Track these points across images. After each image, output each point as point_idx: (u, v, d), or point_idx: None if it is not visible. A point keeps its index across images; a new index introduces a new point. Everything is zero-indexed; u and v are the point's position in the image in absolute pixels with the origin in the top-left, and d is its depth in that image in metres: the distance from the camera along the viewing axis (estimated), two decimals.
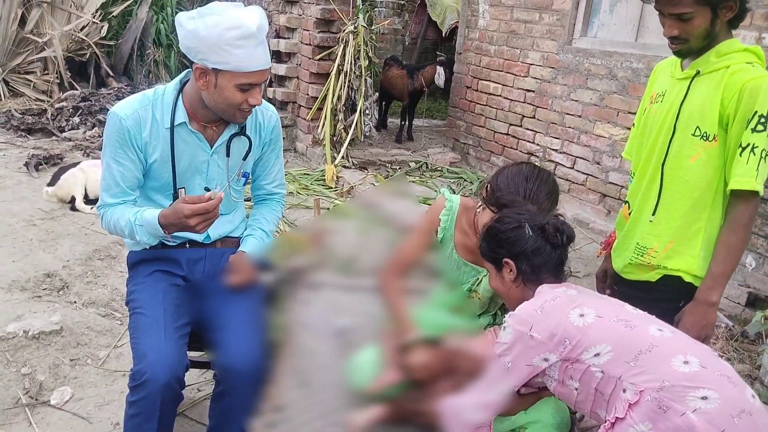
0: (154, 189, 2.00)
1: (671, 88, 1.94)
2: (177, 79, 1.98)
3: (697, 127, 1.84)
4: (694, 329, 1.83)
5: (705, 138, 1.83)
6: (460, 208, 2.08)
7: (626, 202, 2.11)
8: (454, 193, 2.37)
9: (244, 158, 2.06)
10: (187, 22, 1.78)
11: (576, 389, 1.49)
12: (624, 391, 1.40)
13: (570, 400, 1.53)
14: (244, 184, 2.14)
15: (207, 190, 1.98)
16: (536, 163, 2.01)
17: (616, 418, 1.38)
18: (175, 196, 1.96)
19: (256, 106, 1.93)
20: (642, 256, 1.98)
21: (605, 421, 1.42)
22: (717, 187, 1.87)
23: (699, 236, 1.90)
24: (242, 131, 2.02)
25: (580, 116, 4.99)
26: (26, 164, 5.19)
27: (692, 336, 1.77)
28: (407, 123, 7.02)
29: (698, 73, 1.86)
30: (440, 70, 6.62)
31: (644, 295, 1.96)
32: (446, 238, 2.08)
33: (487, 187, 1.95)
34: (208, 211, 1.73)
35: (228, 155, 2.01)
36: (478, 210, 2.00)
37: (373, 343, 1.87)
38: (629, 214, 2.07)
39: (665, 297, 1.95)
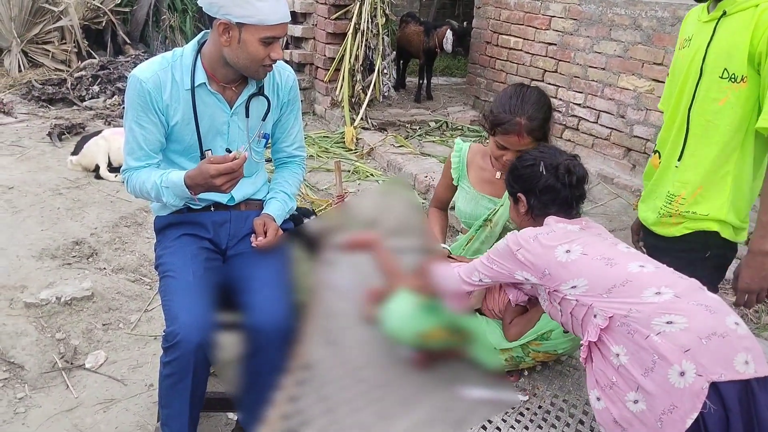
0: (176, 152, 2.01)
1: (698, 31, 1.89)
2: (195, 41, 1.98)
3: (725, 69, 1.78)
4: (754, 282, 1.81)
5: (733, 80, 1.78)
6: (472, 150, 2.26)
7: (656, 151, 2.07)
8: None
9: (264, 119, 2.07)
10: None
11: (560, 311, 1.60)
12: (595, 316, 1.47)
13: (557, 318, 1.64)
14: (264, 146, 2.14)
15: (228, 151, 1.99)
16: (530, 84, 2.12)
17: (589, 341, 1.48)
18: (202, 158, 1.97)
19: (275, 64, 1.94)
20: (670, 204, 1.95)
21: (582, 344, 1.52)
22: (747, 129, 1.82)
23: (727, 180, 1.86)
24: (260, 91, 2.02)
25: (603, 69, 4.87)
26: (49, 134, 5.24)
27: (754, 288, 1.82)
28: (425, 81, 6.92)
29: (725, 13, 1.80)
30: (449, 34, 6.44)
31: (670, 246, 1.95)
32: (461, 177, 2.24)
33: (484, 115, 2.09)
34: (234, 170, 1.75)
35: (247, 116, 2.01)
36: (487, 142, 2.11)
37: (404, 290, 1.89)
38: (659, 162, 2.04)
39: (691, 247, 1.93)
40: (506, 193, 2.12)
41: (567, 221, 1.70)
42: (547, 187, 1.73)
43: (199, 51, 1.95)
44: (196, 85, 1.91)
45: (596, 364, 1.49)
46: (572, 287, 1.52)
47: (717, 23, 1.82)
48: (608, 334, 1.45)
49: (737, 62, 1.76)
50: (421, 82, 6.88)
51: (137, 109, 1.90)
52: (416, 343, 1.84)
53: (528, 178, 1.77)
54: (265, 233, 2.00)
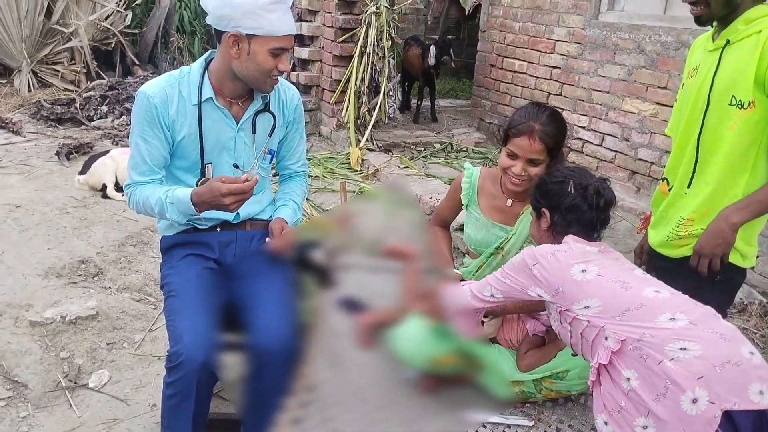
0: (182, 168, 2.04)
1: (704, 60, 1.91)
2: (202, 59, 2.03)
3: (732, 96, 1.80)
4: (708, 246, 1.83)
5: (740, 106, 1.80)
6: (482, 175, 2.27)
7: (664, 178, 2.08)
8: None
9: (270, 135, 2.10)
10: None
11: (569, 332, 1.59)
12: (606, 338, 1.47)
13: (566, 340, 1.63)
14: (270, 162, 2.17)
15: (236, 167, 2.04)
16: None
17: (600, 363, 1.47)
18: (203, 172, 2.01)
19: (279, 81, 2.01)
20: (679, 227, 1.95)
21: (592, 367, 1.51)
22: (757, 153, 1.83)
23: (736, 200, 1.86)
24: (266, 108, 2.06)
25: (608, 92, 4.90)
26: (57, 153, 5.29)
27: (706, 252, 1.83)
28: (430, 104, 6.95)
29: (728, 42, 1.82)
30: (432, 49, 6.48)
31: (679, 269, 1.95)
32: (471, 203, 2.24)
33: (499, 127, 2.14)
34: (245, 192, 1.80)
35: (254, 132, 2.04)
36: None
37: (415, 313, 1.88)
38: (669, 189, 2.04)
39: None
40: (518, 221, 2.12)
41: (586, 242, 1.69)
42: (574, 206, 1.73)
43: (206, 68, 1.99)
44: (203, 100, 1.95)
45: (605, 387, 1.47)
46: (585, 307, 1.52)
47: (722, 52, 1.83)
48: (619, 358, 1.43)
49: (743, 88, 1.78)
50: (419, 103, 6.91)
51: (143, 123, 1.93)
52: (426, 368, 1.82)
53: (555, 194, 1.77)
54: (281, 235, 2.02)
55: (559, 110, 2.16)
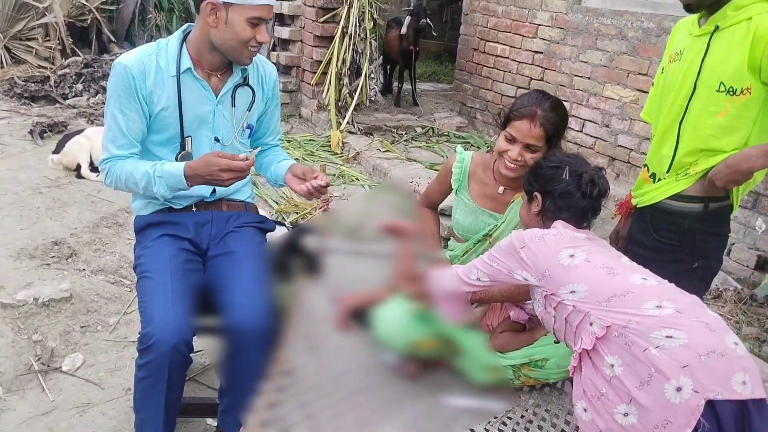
0: (159, 143, 1.99)
1: (690, 46, 1.90)
2: (179, 31, 1.99)
3: (721, 82, 1.80)
4: (722, 178, 1.84)
5: (731, 92, 1.79)
6: (474, 161, 2.22)
7: (645, 165, 2.08)
8: None
9: (249, 109, 2.07)
10: None
11: (553, 317, 1.57)
12: (591, 324, 1.45)
13: (549, 325, 1.62)
14: (248, 137, 2.14)
15: (216, 140, 2.02)
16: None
17: (583, 349, 1.46)
18: (182, 145, 1.98)
19: (257, 56, 1.98)
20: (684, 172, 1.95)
21: (575, 352, 1.50)
22: (759, 135, 1.84)
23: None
24: (245, 81, 2.03)
25: (589, 78, 4.90)
26: (31, 132, 5.17)
27: (718, 182, 1.85)
28: (411, 87, 6.90)
29: (717, 28, 1.81)
30: (406, 19, 6.37)
31: (656, 256, 1.95)
32: (461, 189, 2.21)
33: (500, 111, 2.11)
34: (243, 170, 1.83)
35: (233, 105, 2.02)
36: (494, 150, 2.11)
37: (399, 296, 1.87)
38: (650, 176, 2.04)
39: (677, 258, 1.94)
40: (508, 209, 2.11)
41: (575, 229, 1.68)
42: (567, 193, 1.71)
43: (184, 40, 1.95)
44: (181, 71, 1.91)
45: (585, 374, 1.47)
46: (571, 292, 1.51)
47: (710, 38, 1.82)
48: (603, 344, 1.43)
49: (735, 76, 1.78)
50: (399, 86, 6.86)
51: (120, 95, 1.89)
52: (406, 351, 1.82)
53: (549, 178, 1.75)
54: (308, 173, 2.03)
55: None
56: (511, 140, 1.99)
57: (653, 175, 2.03)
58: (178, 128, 1.96)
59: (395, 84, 7.00)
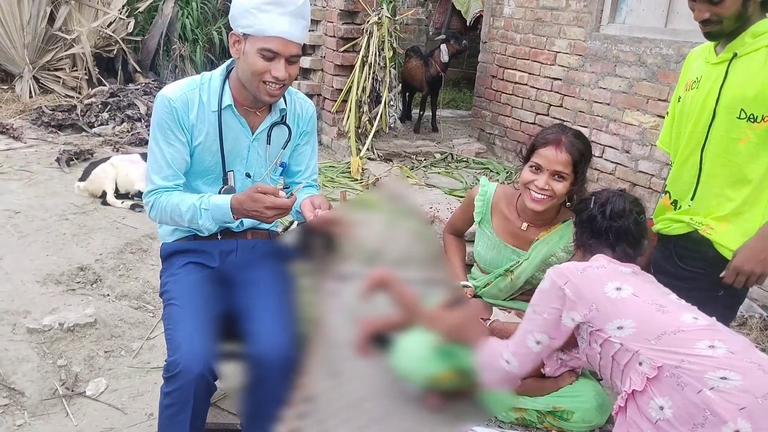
0: (195, 174, 2.02)
1: (707, 73, 1.90)
2: (224, 66, 2.02)
3: (742, 109, 1.79)
4: (749, 262, 1.80)
5: (752, 120, 1.78)
6: (498, 194, 2.19)
7: (667, 191, 2.07)
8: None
9: (283, 147, 2.10)
10: None
11: (599, 354, 1.53)
12: (640, 364, 1.41)
13: (595, 363, 1.57)
14: (280, 174, 2.16)
15: (248, 176, 2.05)
16: None
17: (634, 390, 1.41)
18: (224, 180, 2.01)
19: (294, 96, 2.00)
20: (700, 226, 1.92)
21: (622, 392, 1.45)
22: None
23: (756, 219, 1.84)
24: (283, 120, 2.06)
25: (608, 104, 4.91)
26: (57, 160, 5.28)
27: (746, 269, 1.80)
28: (431, 114, 6.95)
29: (735, 55, 1.81)
30: (442, 46, 6.46)
31: (681, 284, 1.93)
32: (484, 221, 2.21)
33: (524, 144, 2.14)
34: (288, 207, 1.86)
35: (269, 143, 2.04)
36: (517, 182, 2.08)
37: (418, 328, 1.86)
38: (671, 203, 2.03)
39: (704, 286, 1.92)
40: (532, 247, 2.09)
41: (619, 263, 1.66)
42: (590, 218, 1.78)
43: (227, 76, 1.98)
44: (222, 107, 1.94)
45: (630, 415, 1.42)
46: (618, 327, 1.46)
47: (729, 65, 1.82)
48: (653, 385, 1.39)
49: (755, 103, 1.77)
50: (421, 113, 6.91)
51: (164, 126, 1.92)
52: (426, 385, 1.80)
53: (580, 211, 1.84)
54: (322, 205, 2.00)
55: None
56: (537, 169, 1.98)
57: (675, 202, 2.02)
58: (213, 161, 2.00)
59: (415, 111, 7.04)
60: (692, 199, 1.94)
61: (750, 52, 1.78)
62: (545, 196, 1.97)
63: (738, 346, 1.41)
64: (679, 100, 2.03)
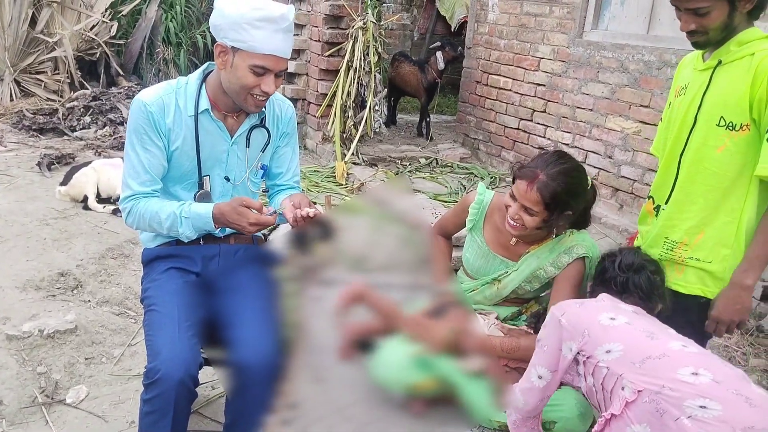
0: (173, 179, 2.01)
1: (693, 80, 1.91)
2: (200, 70, 2.00)
3: (722, 117, 1.80)
4: (726, 312, 1.82)
5: (731, 128, 1.79)
6: (493, 204, 2.17)
7: (650, 197, 2.09)
8: (465, 189, 2.41)
9: (263, 150, 2.08)
10: (218, 1, 1.84)
11: (593, 385, 1.53)
12: (623, 388, 1.41)
13: (591, 396, 1.57)
14: (261, 177, 2.15)
15: (227, 179, 2.04)
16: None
17: (612, 414, 1.40)
18: (200, 184, 2.00)
19: (272, 97, 1.97)
20: (672, 251, 1.94)
21: (601, 417, 1.45)
22: (750, 174, 1.81)
23: (731, 227, 1.86)
24: (262, 123, 2.05)
25: (591, 110, 4.95)
26: (38, 164, 5.22)
27: (724, 319, 1.82)
28: (422, 120, 6.94)
29: (720, 62, 1.82)
30: (438, 54, 6.49)
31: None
32: (476, 229, 2.18)
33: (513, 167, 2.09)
34: (270, 224, 1.89)
35: (248, 146, 2.03)
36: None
37: (398, 336, 1.86)
38: (654, 208, 2.04)
39: (689, 319, 1.91)
40: (521, 260, 2.09)
41: (620, 301, 1.70)
42: (602, 270, 1.86)
43: (204, 80, 1.97)
44: (199, 111, 1.93)
45: None
46: (606, 351, 1.47)
47: (713, 72, 1.84)
48: (630, 410, 1.38)
49: (735, 110, 1.77)
50: (428, 119, 6.86)
51: (140, 131, 1.90)
52: (406, 393, 1.80)
53: (598, 273, 1.91)
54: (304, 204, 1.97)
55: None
56: (512, 197, 1.98)
57: (657, 207, 2.04)
58: (191, 166, 1.98)
59: (400, 116, 7.02)
60: (666, 203, 1.95)
61: (734, 60, 1.79)
62: (518, 225, 1.96)
63: (725, 376, 1.38)
64: (669, 107, 2.05)
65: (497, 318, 2.17)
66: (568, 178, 1.94)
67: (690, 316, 1.89)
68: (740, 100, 1.76)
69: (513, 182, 1.99)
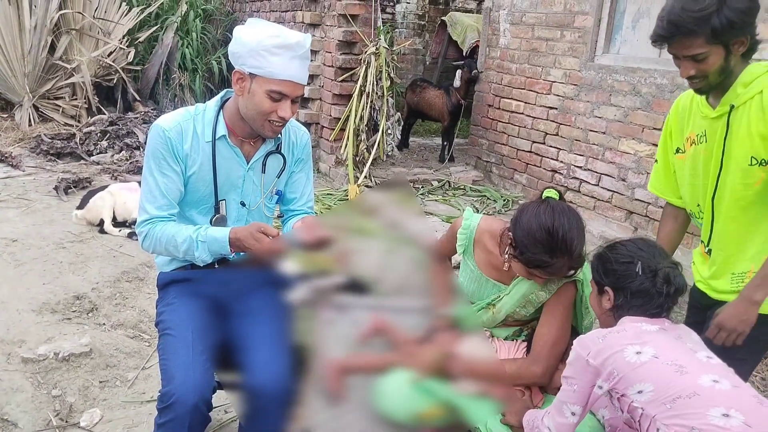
0: (189, 204, 2.03)
1: (710, 127, 1.94)
2: (218, 97, 2.04)
3: (752, 157, 1.84)
4: (731, 322, 1.85)
5: (764, 164, 1.83)
6: (481, 228, 2.15)
7: (702, 241, 2.11)
8: (478, 212, 2.41)
9: (278, 176, 2.11)
10: (237, 30, 1.88)
11: (631, 418, 1.52)
12: (657, 430, 1.40)
13: (618, 424, 1.59)
14: (276, 203, 2.17)
15: (243, 204, 2.06)
16: (550, 196, 1.96)
17: None
18: (216, 209, 2.02)
19: (288, 124, 2.00)
20: (743, 282, 1.94)
21: None
22: None
23: None
24: (278, 149, 2.07)
25: (604, 133, 4.95)
26: (56, 188, 5.29)
27: (728, 327, 1.82)
28: (444, 142, 6.99)
29: (733, 107, 1.86)
30: (458, 72, 6.60)
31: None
32: (467, 254, 2.16)
33: (510, 240, 1.94)
34: (282, 251, 1.92)
35: (263, 172, 2.06)
36: (506, 249, 2.03)
37: (397, 368, 1.86)
38: (706, 251, 2.06)
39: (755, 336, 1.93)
40: (513, 283, 2.07)
41: (645, 320, 1.61)
42: (642, 291, 1.63)
43: (221, 107, 2.00)
44: (216, 137, 1.96)
45: None
46: (638, 392, 1.44)
47: (729, 117, 1.87)
48: None
49: (762, 148, 1.82)
50: (449, 143, 6.94)
51: (159, 157, 1.93)
52: (412, 422, 1.79)
53: (621, 275, 1.67)
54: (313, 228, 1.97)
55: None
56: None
57: (710, 251, 2.05)
58: (207, 191, 2.00)
59: (413, 139, 7.08)
60: (707, 245, 1.99)
61: (745, 102, 1.84)
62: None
63: (758, 418, 1.35)
64: (677, 152, 2.06)
65: (491, 335, 2.17)
66: (580, 230, 1.88)
67: (758, 334, 1.91)
68: (764, 139, 1.80)
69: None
